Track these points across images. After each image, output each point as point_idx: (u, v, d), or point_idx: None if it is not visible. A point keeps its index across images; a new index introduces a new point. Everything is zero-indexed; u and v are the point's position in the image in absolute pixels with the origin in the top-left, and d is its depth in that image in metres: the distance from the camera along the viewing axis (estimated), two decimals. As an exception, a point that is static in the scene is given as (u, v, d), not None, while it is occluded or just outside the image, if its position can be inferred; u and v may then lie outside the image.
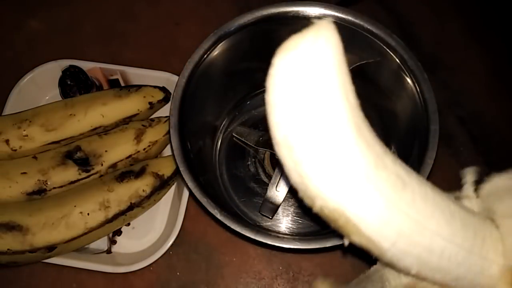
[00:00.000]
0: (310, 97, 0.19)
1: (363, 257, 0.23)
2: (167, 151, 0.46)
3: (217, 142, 0.46)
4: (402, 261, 0.22)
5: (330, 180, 0.20)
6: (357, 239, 0.22)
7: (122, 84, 0.48)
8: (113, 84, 0.48)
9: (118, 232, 0.43)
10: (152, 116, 0.46)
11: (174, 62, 0.48)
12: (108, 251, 0.42)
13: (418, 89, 0.36)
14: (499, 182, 0.26)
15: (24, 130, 0.41)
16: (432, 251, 0.22)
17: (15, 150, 0.41)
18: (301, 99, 0.19)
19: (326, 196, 0.20)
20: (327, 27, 0.20)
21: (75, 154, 0.41)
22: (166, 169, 0.41)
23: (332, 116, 0.20)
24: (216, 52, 0.38)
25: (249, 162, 0.45)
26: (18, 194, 0.40)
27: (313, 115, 0.19)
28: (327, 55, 0.20)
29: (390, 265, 0.23)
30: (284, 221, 0.42)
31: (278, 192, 0.41)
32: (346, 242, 0.23)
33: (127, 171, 0.41)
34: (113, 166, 0.42)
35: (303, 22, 0.39)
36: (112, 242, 0.43)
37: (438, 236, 0.22)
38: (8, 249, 0.37)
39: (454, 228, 0.22)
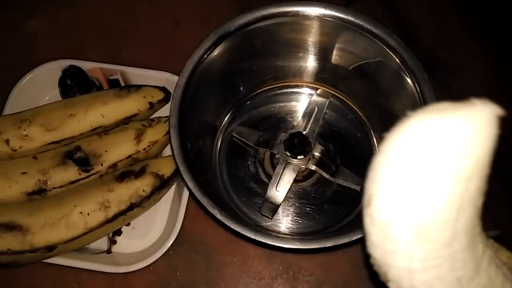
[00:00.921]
0: (433, 186, 0.16)
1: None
2: (167, 151, 0.46)
3: (217, 142, 0.46)
4: None
5: (418, 283, 0.18)
6: None
7: (122, 84, 0.48)
8: (113, 84, 0.48)
9: (118, 232, 0.43)
10: (152, 116, 0.46)
11: (174, 62, 0.48)
12: (108, 251, 0.42)
13: (418, 89, 0.36)
14: None
15: (24, 130, 0.41)
16: None
17: (15, 150, 0.41)
18: (422, 188, 0.16)
19: None
20: (489, 118, 0.16)
21: (75, 154, 0.41)
22: (166, 169, 0.41)
23: (453, 219, 0.16)
24: (216, 52, 0.38)
25: (249, 162, 0.45)
26: (18, 194, 0.40)
27: (430, 210, 0.16)
28: (476, 151, 0.16)
29: None
30: (284, 221, 0.42)
31: (278, 192, 0.41)
32: None
33: (127, 171, 0.41)
34: (113, 166, 0.42)
35: (303, 22, 0.39)
36: (112, 242, 0.43)
37: None
38: (8, 249, 0.37)
39: None
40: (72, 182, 0.41)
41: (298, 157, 0.41)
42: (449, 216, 0.16)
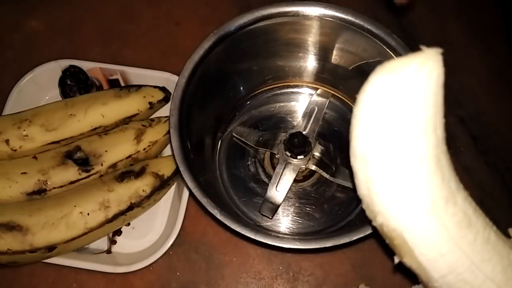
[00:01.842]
0: (398, 121, 0.19)
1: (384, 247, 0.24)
2: (167, 151, 0.46)
3: (217, 142, 0.46)
4: None
5: (396, 202, 0.21)
6: (408, 262, 0.22)
7: (122, 84, 0.48)
8: (113, 84, 0.48)
9: (118, 232, 0.43)
10: (152, 116, 0.46)
11: (174, 62, 0.48)
12: (108, 251, 0.42)
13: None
14: None
15: (24, 130, 0.41)
16: None
17: (15, 150, 0.41)
18: (388, 122, 0.20)
19: (388, 215, 0.21)
20: (435, 59, 0.20)
21: (75, 154, 0.41)
22: (166, 169, 0.41)
23: (415, 145, 0.20)
24: (216, 52, 0.38)
25: (249, 162, 0.45)
26: (18, 194, 0.40)
27: (396, 139, 0.20)
28: (426, 86, 0.20)
29: None
30: (284, 221, 0.42)
31: (278, 192, 0.41)
32: (397, 260, 0.23)
33: (127, 171, 0.41)
34: (113, 166, 0.42)
35: (303, 22, 0.39)
36: (112, 242, 0.43)
37: (490, 281, 0.22)
38: (8, 249, 0.37)
39: (509, 277, 0.22)
40: (72, 182, 0.41)
41: (298, 157, 0.41)
42: (414, 140, 0.20)
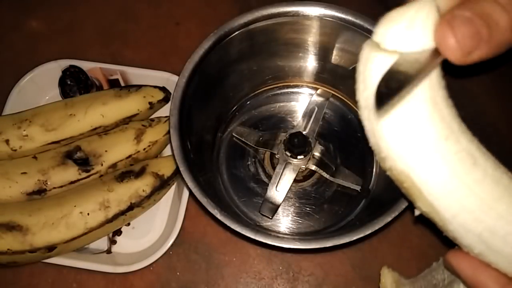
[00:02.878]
0: (395, 67, 0.21)
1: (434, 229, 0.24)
2: (167, 151, 0.46)
3: (217, 142, 0.46)
4: (464, 238, 0.23)
5: (399, 143, 0.22)
6: (421, 206, 0.23)
7: (122, 84, 0.48)
8: (113, 84, 0.48)
9: (118, 232, 0.43)
10: (152, 116, 0.46)
11: (174, 62, 0.48)
12: (108, 251, 0.42)
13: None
14: None
15: (24, 130, 0.41)
16: (495, 233, 0.22)
17: (15, 150, 0.41)
18: (386, 68, 0.21)
19: (394, 158, 0.22)
20: (430, 5, 0.21)
21: (75, 154, 0.41)
22: (166, 169, 0.41)
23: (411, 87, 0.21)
24: (216, 52, 0.38)
25: (249, 162, 0.45)
26: (18, 194, 0.40)
27: (394, 83, 0.21)
28: (421, 31, 0.21)
29: (455, 242, 0.24)
30: (284, 221, 0.42)
31: (278, 192, 0.41)
32: (417, 212, 0.24)
33: (127, 171, 0.41)
34: (113, 166, 0.42)
35: (303, 22, 0.39)
36: (112, 242, 0.43)
37: (503, 220, 0.22)
38: (8, 249, 0.37)
39: None
40: (72, 182, 0.41)
41: (298, 157, 0.41)
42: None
